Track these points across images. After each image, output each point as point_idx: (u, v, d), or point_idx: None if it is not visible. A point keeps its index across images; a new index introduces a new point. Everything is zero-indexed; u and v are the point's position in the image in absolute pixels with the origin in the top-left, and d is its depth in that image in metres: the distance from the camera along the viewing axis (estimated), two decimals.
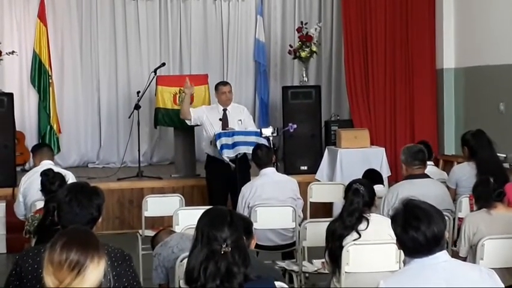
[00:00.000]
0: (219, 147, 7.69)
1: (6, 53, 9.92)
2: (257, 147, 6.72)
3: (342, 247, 4.44)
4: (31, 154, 7.49)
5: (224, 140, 7.71)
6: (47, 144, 8.05)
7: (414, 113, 10.40)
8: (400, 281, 3.04)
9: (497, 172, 5.90)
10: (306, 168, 9.72)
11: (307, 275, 5.83)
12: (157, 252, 4.37)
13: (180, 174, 9.59)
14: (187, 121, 8.26)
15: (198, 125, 8.53)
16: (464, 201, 6.03)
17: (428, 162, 6.25)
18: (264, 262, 4.41)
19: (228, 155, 7.69)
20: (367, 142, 9.42)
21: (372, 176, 6.79)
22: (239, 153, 7.72)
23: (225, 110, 8.09)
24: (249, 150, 7.55)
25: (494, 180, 4.97)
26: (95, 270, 2.52)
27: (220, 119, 8.01)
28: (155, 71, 9.57)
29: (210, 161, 8.15)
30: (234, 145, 7.73)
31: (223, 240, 2.93)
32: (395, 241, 3.13)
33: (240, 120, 8.07)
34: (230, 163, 7.67)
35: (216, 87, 8.28)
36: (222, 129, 7.89)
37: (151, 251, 6.45)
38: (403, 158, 5.90)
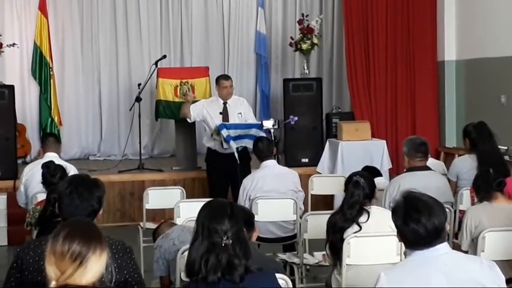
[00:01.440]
0: (225, 136, 7.67)
1: (7, 45, 9.91)
2: (258, 139, 6.71)
3: (343, 239, 4.44)
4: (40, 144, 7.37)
5: (227, 132, 7.71)
6: (54, 134, 7.71)
7: (415, 106, 10.39)
8: (401, 273, 3.05)
9: (498, 164, 5.90)
10: (307, 160, 9.71)
11: (308, 267, 5.83)
12: (158, 244, 4.37)
13: (181, 166, 9.58)
14: (187, 119, 8.24)
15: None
16: (465, 194, 6.02)
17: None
18: (265, 254, 4.41)
19: (232, 145, 7.71)
20: (368, 134, 9.41)
21: (370, 173, 6.76)
22: (240, 146, 7.73)
23: (225, 104, 8.07)
24: (250, 144, 7.58)
25: (495, 173, 4.96)
26: (97, 262, 2.53)
27: (220, 113, 8.00)
28: (156, 63, 9.56)
29: (210, 153, 8.14)
30: (236, 138, 7.72)
31: (224, 232, 2.93)
32: (395, 233, 3.13)
33: (240, 113, 8.05)
34: (236, 154, 7.65)
35: (217, 80, 8.20)
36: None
37: (152, 243, 6.45)
38: (405, 149, 5.89)
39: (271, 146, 6.68)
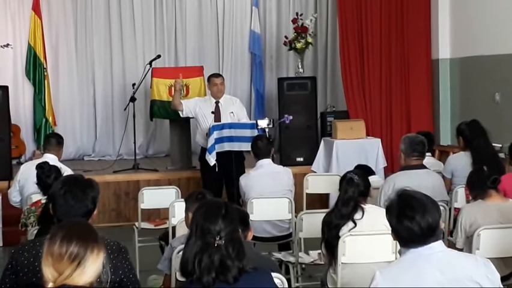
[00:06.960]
0: (210, 144, 7.68)
1: (1, 46, 9.90)
2: (258, 137, 6.76)
3: (338, 237, 4.44)
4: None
5: (218, 134, 7.70)
6: (55, 136, 7.15)
7: (410, 104, 10.40)
8: (396, 271, 3.05)
9: (492, 161, 5.92)
10: (302, 159, 9.72)
11: (303, 266, 5.85)
12: (174, 245, 4.33)
13: (176, 166, 9.58)
14: (179, 112, 8.27)
15: (190, 118, 8.54)
16: (460, 192, 6.03)
17: (426, 153, 6.24)
18: (260, 253, 4.40)
19: (220, 149, 7.70)
20: (363, 133, 9.41)
21: (362, 171, 6.76)
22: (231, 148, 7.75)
23: (217, 103, 8.11)
24: (241, 147, 7.59)
25: (489, 169, 4.96)
26: (95, 262, 2.54)
27: (212, 112, 8.02)
28: (150, 63, 9.55)
29: (204, 152, 8.13)
30: (229, 139, 7.73)
31: (217, 232, 2.91)
32: (390, 231, 3.13)
33: (232, 112, 8.06)
34: (215, 163, 7.68)
35: (209, 78, 8.33)
36: (215, 122, 7.89)
37: (147, 243, 6.50)
38: (403, 147, 5.87)
39: (270, 146, 6.70)
